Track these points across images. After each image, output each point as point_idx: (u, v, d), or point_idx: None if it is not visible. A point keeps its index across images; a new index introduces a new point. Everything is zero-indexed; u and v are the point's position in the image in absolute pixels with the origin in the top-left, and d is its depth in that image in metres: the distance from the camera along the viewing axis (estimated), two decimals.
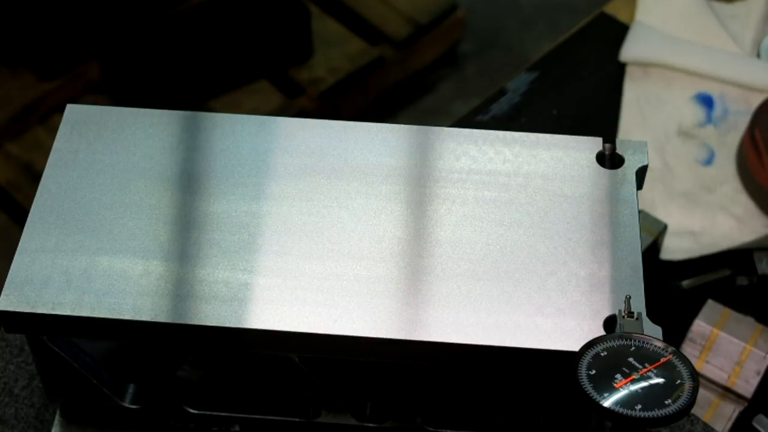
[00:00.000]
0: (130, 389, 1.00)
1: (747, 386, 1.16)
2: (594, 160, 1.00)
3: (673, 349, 0.81)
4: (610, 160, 1.00)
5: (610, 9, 1.54)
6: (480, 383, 0.98)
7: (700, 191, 1.34)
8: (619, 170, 0.99)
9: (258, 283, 0.91)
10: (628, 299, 0.87)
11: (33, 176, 2.24)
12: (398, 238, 0.94)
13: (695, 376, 0.79)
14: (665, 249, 1.27)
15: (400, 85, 2.55)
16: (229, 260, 0.93)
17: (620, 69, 1.47)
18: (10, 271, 0.92)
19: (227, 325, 0.89)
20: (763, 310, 1.22)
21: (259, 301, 0.90)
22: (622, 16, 1.53)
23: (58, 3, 2.31)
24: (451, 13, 2.56)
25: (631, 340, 0.82)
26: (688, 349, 1.18)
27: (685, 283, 1.26)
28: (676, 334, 1.19)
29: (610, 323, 0.88)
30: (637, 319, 0.85)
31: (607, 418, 0.78)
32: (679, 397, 0.78)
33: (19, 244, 0.94)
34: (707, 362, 1.18)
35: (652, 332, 0.86)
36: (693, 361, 1.18)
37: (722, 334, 1.17)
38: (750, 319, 1.20)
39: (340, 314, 0.89)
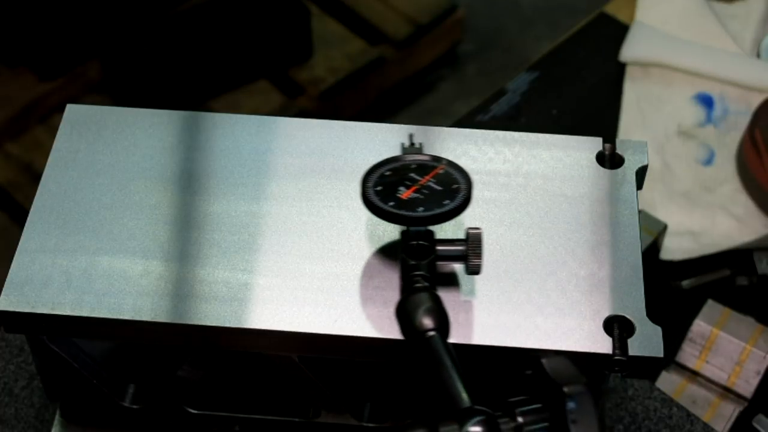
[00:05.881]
0: (130, 389, 1.00)
1: (747, 386, 1.16)
2: (594, 160, 1.00)
3: (447, 160, 0.91)
4: (610, 160, 1.00)
5: (610, 9, 1.54)
6: (480, 383, 0.98)
7: (700, 191, 1.34)
8: (619, 170, 0.99)
9: (258, 283, 0.91)
10: None
11: (33, 176, 2.24)
12: (398, 238, 0.94)
13: (469, 179, 0.89)
14: (665, 249, 1.27)
15: (400, 85, 2.55)
16: (229, 260, 0.93)
17: (620, 69, 1.47)
18: (10, 271, 0.92)
19: (227, 325, 0.89)
20: (763, 310, 1.22)
21: (259, 301, 0.90)
22: (622, 16, 1.53)
23: (58, 3, 2.31)
24: (451, 13, 2.56)
25: (410, 159, 0.92)
26: (688, 349, 1.18)
27: (685, 283, 1.26)
28: (676, 334, 1.19)
29: (609, 323, 0.88)
30: (419, 146, 0.95)
31: (393, 221, 0.87)
32: (455, 197, 0.87)
33: (19, 244, 0.93)
34: (707, 362, 1.17)
35: (652, 332, 0.87)
36: (693, 361, 1.18)
37: (722, 334, 1.17)
38: (750, 319, 1.20)
39: (340, 314, 0.89)
